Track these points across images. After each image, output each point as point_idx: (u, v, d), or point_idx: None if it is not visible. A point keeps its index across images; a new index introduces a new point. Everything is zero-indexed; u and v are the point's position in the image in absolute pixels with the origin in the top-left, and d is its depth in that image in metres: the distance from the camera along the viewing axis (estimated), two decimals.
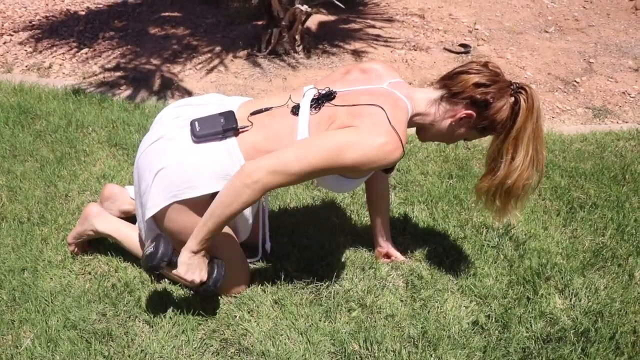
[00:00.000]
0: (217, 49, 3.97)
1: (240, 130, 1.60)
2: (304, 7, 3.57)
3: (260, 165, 1.47)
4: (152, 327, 1.69)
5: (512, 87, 1.61)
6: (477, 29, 4.53)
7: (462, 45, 4.15)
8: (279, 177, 1.48)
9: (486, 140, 1.79)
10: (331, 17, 4.61)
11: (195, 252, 1.57)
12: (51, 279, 1.85)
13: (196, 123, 1.60)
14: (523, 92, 1.60)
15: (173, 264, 1.57)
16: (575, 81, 3.78)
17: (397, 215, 2.28)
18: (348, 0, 4.58)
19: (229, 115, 1.61)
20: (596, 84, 3.75)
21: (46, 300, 1.75)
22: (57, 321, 1.67)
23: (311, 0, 3.85)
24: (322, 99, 1.60)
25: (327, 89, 1.63)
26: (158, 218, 1.63)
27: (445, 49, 4.11)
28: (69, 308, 1.72)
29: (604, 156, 2.82)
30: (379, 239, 2.03)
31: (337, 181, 1.62)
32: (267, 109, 1.66)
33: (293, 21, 3.73)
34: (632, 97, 3.63)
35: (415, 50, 4.04)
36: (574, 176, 2.62)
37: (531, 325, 1.77)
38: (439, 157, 2.73)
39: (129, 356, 1.58)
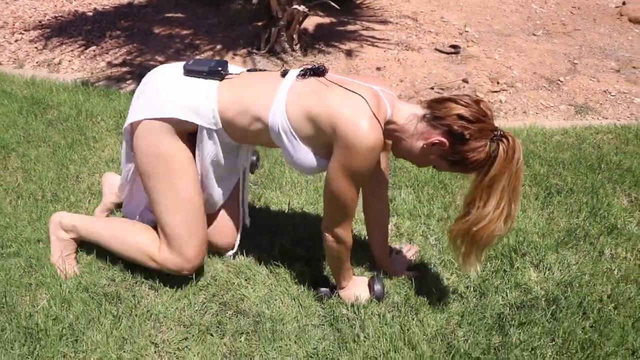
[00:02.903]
0: (218, 47, 4.11)
1: (225, 76, 1.70)
2: (302, 7, 3.71)
3: (328, 227, 1.66)
4: (157, 291, 1.81)
5: (495, 132, 1.54)
6: (467, 31, 4.67)
7: (452, 46, 4.28)
8: (347, 218, 1.65)
9: None
10: (327, 19, 4.75)
11: (344, 287, 1.80)
12: None
13: (190, 60, 1.74)
14: (505, 140, 1.52)
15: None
16: (559, 80, 3.91)
17: None
18: (344, 3, 4.72)
19: (222, 63, 1.72)
20: (579, 83, 3.89)
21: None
22: (70, 285, 1.80)
23: (308, 1, 3.99)
24: (310, 71, 1.67)
25: (319, 65, 1.70)
26: (134, 135, 1.72)
27: (436, 49, 4.25)
28: (80, 274, 1.85)
29: (582, 147, 2.96)
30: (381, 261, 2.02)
31: (311, 159, 1.63)
32: (262, 70, 1.78)
33: (291, 21, 3.87)
34: (613, 96, 3.76)
35: (408, 50, 4.18)
36: (553, 165, 2.74)
37: (506, 295, 1.89)
38: None
39: (136, 315, 1.71)
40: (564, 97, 3.69)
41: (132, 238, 1.80)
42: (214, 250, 1.96)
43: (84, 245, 1.96)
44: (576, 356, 1.66)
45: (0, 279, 1.81)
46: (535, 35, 4.84)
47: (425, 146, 1.59)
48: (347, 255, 1.74)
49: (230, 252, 1.97)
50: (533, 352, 1.67)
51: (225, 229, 1.94)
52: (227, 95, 1.65)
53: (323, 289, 1.84)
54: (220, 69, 1.69)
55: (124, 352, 1.59)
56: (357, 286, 1.83)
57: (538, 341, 1.70)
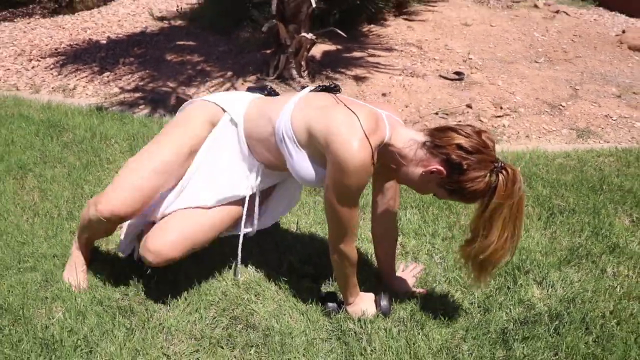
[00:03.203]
0: (229, 74, 4.21)
1: (266, 94, 1.95)
2: (309, 35, 3.81)
3: (332, 243, 1.72)
4: (169, 305, 1.85)
5: (495, 163, 1.55)
6: (471, 59, 4.76)
7: (456, 72, 4.37)
8: (348, 234, 1.69)
9: None
10: (335, 47, 4.86)
11: (351, 302, 1.84)
12: None
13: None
14: (505, 172, 1.54)
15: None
16: (561, 105, 3.97)
17: None
18: (351, 31, 4.84)
19: (272, 90, 1.99)
20: (581, 108, 3.95)
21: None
22: (85, 298, 1.84)
23: (316, 29, 4.09)
24: (323, 87, 1.79)
25: (334, 84, 1.82)
26: None
27: (440, 76, 4.33)
28: (94, 288, 1.89)
29: (584, 169, 3.00)
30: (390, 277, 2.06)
31: (310, 167, 1.68)
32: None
33: (299, 48, 3.97)
34: (614, 120, 3.82)
35: (412, 76, 4.27)
36: (555, 186, 2.79)
37: (510, 310, 1.92)
38: None
39: (148, 328, 1.75)
40: (565, 122, 3.75)
41: None
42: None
43: (99, 261, 2.01)
44: None
45: (18, 293, 1.86)
46: (537, 62, 4.92)
47: (424, 173, 1.61)
48: (352, 271, 1.78)
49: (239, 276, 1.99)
50: None
51: (176, 237, 1.76)
52: (259, 100, 1.86)
53: (331, 304, 1.88)
54: (265, 89, 1.96)
55: None
56: (364, 302, 1.87)
57: (542, 355, 1.72)
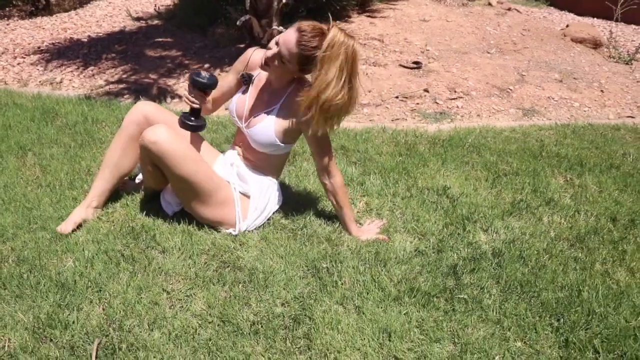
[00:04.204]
0: (206, 65, 4.42)
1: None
2: (280, 28, 4.04)
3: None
4: (166, 253, 2.08)
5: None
6: (428, 50, 5.06)
7: (414, 62, 4.66)
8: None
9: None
10: None
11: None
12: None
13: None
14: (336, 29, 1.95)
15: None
16: (509, 89, 4.30)
17: (357, 183, 2.70)
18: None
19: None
20: (526, 91, 4.28)
21: (81, 237, 2.13)
22: (92, 249, 2.05)
23: (286, 23, 4.33)
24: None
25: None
26: None
27: (400, 65, 4.62)
28: (99, 241, 2.11)
29: (527, 141, 3.31)
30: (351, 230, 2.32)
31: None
32: None
33: (270, 40, 4.20)
34: (556, 101, 4.15)
35: (375, 66, 4.54)
36: (502, 154, 3.09)
37: (460, 251, 2.20)
38: (392, 142, 3.19)
39: (149, 272, 1.97)
40: (513, 103, 4.07)
41: None
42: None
43: (102, 220, 2.22)
44: (516, 292, 1.96)
45: (32, 247, 2.05)
46: (489, 52, 5.25)
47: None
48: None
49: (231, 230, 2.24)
50: (482, 290, 1.97)
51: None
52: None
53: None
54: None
55: (142, 297, 1.85)
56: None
57: (486, 282, 2.00)
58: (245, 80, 2.24)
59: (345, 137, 3.23)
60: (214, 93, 2.31)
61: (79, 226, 2.20)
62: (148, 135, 2.02)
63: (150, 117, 2.22)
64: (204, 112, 2.31)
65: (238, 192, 2.20)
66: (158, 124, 2.09)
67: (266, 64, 2.06)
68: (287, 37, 2.00)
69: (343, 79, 1.94)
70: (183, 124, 2.19)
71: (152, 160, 2.06)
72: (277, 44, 2.02)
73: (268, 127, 2.13)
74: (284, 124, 2.13)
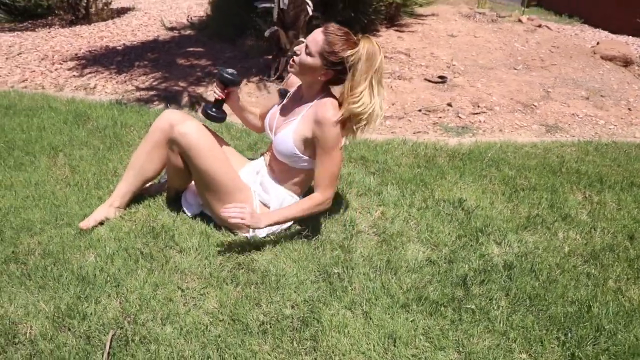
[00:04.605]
0: None
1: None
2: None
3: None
4: (183, 253, 2.14)
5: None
6: (454, 65, 5.08)
7: (440, 76, 4.68)
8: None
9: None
10: None
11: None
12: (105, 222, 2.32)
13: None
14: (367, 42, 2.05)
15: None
16: (533, 104, 4.28)
17: (374, 192, 2.73)
18: None
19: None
20: (551, 108, 4.26)
21: (103, 234, 2.21)
22: (113, 246, 2.13)
23: None
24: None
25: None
26: None
27: (425, 79, 4.64)
28: (120, 239, 2.19)
29: (548, 156, 3.30)
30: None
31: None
32: None
33: None
34: (580, 118, 4.12)
35: (400, 79, 4.58)
36: (521, 169, 3.08)
37: (472, 263, 2.21)
38: (411, 154, 3.21)
39: (166, 270, 2.03)
40: (536, 119, 4.06)
41: None
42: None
43: (123, 219, 2.30)
44: (525, 304, 1.97)
45: (57, 242, 2.15)
46: (515, 69, 5.24)
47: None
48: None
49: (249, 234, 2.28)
50: (490, 301, 1.97)
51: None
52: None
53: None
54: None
55: (157, 293, 1.91)
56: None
57: (495, 294, 2.01)
58: (281, 94, 2.36)
59: (365, 147, 3.27)
60: (262, 110, 2.48)
61: (101, 223, 2.28)
62: (178, 127, 2.16)
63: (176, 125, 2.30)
64: (254, 128, 2.53)
65: (258, 200, 2.25)
66: (189, 119, 2.21)
67: (292, 61, 2.13)
68: (314, 32, 2.12)
69: (369, 91, 2.05)
70: (204, 112, 2.35)
71: (180, 151, 2.18)
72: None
73: (288, 135, 2.18)
74: (303, 133, 2.16)
